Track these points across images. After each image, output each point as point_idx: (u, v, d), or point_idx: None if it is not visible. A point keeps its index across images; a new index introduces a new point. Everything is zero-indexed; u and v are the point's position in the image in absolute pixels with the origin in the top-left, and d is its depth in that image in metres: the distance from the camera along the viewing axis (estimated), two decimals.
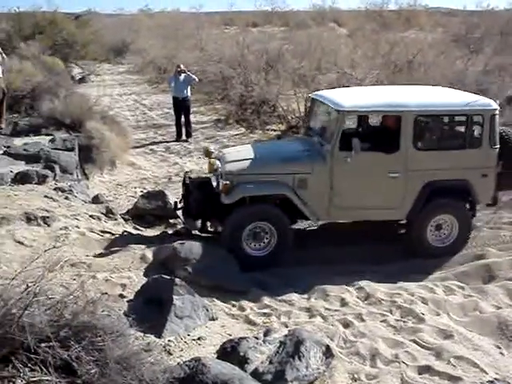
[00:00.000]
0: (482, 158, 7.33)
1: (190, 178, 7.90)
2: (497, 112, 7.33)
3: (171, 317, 4.96)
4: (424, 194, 7.23)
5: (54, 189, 8.33)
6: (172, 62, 21.62)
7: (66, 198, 8.18)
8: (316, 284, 6.23)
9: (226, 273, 6.12)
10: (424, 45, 17.28)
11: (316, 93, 8.36)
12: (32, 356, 3.11)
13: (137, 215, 8.36)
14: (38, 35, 23.07)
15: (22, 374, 3.08)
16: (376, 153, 7.20)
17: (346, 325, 5.34)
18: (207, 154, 7.71)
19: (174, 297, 5.09)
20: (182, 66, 13.60)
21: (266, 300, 5.85)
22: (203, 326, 5.08)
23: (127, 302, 5.24)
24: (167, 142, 13.99)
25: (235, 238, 6.95)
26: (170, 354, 4.47)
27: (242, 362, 4.21)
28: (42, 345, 3.11)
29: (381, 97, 7.71)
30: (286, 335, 4.55)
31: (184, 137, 14.04)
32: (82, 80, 22.41)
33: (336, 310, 5.68)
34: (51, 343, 3.13)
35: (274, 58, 17.62)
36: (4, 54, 11.73)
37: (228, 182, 6.95)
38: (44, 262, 3.79)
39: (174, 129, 14.42)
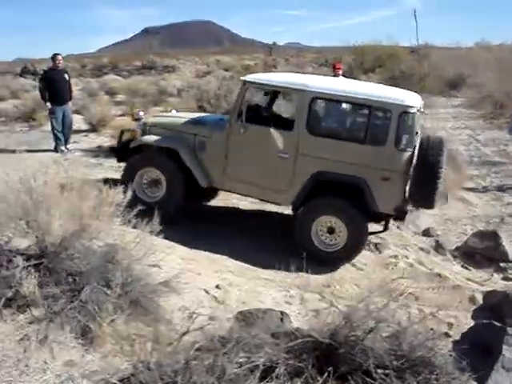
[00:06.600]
0: (384, 159, 6.61)
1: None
2: (410, 110, 6.58)
3: (497, 367, 4.66)
4: (311, 183, 6.83)
5: None
6: (510, 96, 20.48)
7: (398, 227, 8.34)
8: None
9: None
10: None
11: None
12: (367, 379, 3.20)
13: (466, 253, 8.09)
14: (377, 68, 24.16)
15: None
16: (268, 128, 7.06)
17: None
18: (132, 116, 8.48)
19: (504, 347, 4.78)
20: None
21: None
22: None
23: (452, 342, 5.08)
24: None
25: (128, 180, 7.19)
26: None
27: None
28: (379, 371, 3.18)
29: (290, 77, 7.67)
30: None
31: None
32: None
33: None
34: (387, 371, 3.18)
35: None
36: None
37: (136, 130, 7.79)
38: (387, 291, 3.89)
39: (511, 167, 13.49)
